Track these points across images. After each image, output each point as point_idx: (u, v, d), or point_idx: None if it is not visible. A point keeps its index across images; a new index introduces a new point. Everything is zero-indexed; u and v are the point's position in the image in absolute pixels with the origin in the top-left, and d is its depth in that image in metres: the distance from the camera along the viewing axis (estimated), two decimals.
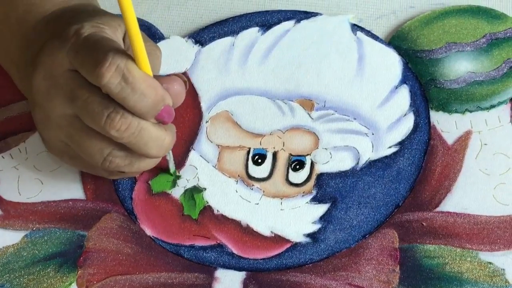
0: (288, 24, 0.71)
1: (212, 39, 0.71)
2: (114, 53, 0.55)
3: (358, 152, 0.65)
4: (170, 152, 0.63)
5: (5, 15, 0.65)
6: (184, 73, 0.70)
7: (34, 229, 0.63)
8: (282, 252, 0.61)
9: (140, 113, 0.56)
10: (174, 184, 0.64)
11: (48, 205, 0.64)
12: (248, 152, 0.66)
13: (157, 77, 0.58)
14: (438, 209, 0.62)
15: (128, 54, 0.56)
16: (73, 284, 0.60)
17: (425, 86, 0.67)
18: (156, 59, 0.61)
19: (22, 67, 0.63)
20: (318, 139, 0.66)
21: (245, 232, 0.62)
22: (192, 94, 0.68)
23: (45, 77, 0.59)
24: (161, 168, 0.64)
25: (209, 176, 0.65)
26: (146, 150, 0.58)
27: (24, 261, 0.61)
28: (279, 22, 0.71)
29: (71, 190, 0.64)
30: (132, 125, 0.56)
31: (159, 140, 0.58)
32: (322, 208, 0.63)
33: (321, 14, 0.72)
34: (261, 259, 0.61)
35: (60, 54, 0.58)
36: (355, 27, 0.71)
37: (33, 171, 0.65)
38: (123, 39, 0.60)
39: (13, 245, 0.62)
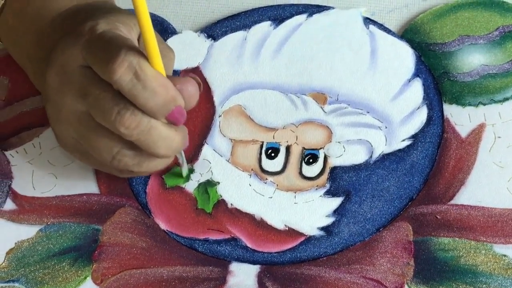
0: (300, 18, 0.71)
1: (225, 33, 0.71)
2: (127, 49, 0.55)
3: (372, 146, 0.65)
4: (183, 157, 0.63)
5: (21, 11, 0.65)
6: (197, 68, 0.70)
7: (48, 223, 0.63)
8: (296, 246, 0.61)
9: (150, 111, 0.56)
10: (188, 178, 0.64)
11: (62, 199, 0.64)
12: (261, 146, 0.66)
13: (172, 77, 0.58)
14: (452, 202, 0.62)
15: (141, 52, 0.56)
16: (88, 278, 0.61)
17: (438, 79, 0.67)
18: (169, 61, 0.61)
19: (37, 63, 0.63)
20: (331, 132, 0.66)
21: (259, 226, 0.62)
22: (205, 88, 0.69)
23: (58, 73, 0.59)
24: (176, 163, 0.64)
25: (223, 170, 0.65)
26: (155, 149, 0.58)
27: (39, 255, 0.62)
28: (291, 16, 0.72)
29: (85, 185, 0.65)
30: (142, 122, 0.56)
31: (168, 139, 0.58)
32: (336, 202, 0.63)
33: (333, 8, 0.72)
34: (275, 253, 0.61)
35: (73, 50, 0.58)
36: (368, 21, 0.71)
37: (47, 166, 0.66)
38: (138, 39, 0.60)
39: (28, 239, 0.63)
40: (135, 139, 0.57)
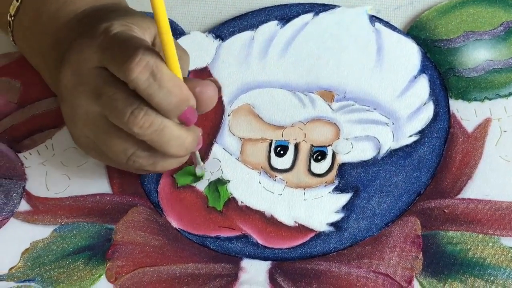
0: (307, 17, 0.72)
1: (232, 33, 0.72)
2: (144, 49, 0.56)
3: (379, 142, 0.66)
4: (198, 157, 0.64)
5: (37, 13, 0.66)
6: (205, 68, 0.70)
7: (63, 223, 0.64)
8: (306, 242, 0.62)
9: (164, 110, 0.57)
10: (200, 177, 0.65)
11: (76, 199, 0.65)
12: (270, 144, 0.66)
13: (193, 80, 0.59)
14: (459, 196, 0.63)
15: (158, 53, 0.57)
16: (102, 276, 0.61)
17: (444, 75, 0.68)
18: (184, 64, 0.62)
19: (52, 64, 0.64)
20: (339, 129, 0.66)
21: (269, 223, 0.63)
22: None
23: (73, 74, 0.60)
24: (186, 162, 0.65)
25: (233, 169, 0.66)
26: (167, 149, 0.59)
27: (54, 255, 0.63)
28: (298, 15, 0.72)
29: (98, 185, 0.66)
30: (155, 122, 0.57)
31: (180, 139, 0.59)
32: (345, 198, 0.64)
33: (339, 6, 0.72)
34: (285, 249, 0.62)
35: (88, 51, 0.59)
36: (373, 18, 0.71)
37: (60, 167, 0.67)
38: (154, 42, 0.61)
39: (42, 239, 0.63)
40: (148, 138, 0.58)
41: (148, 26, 0.60)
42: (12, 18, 0.67)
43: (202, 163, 0.64)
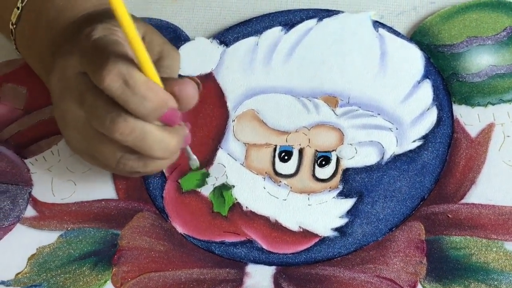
0: (310, 23, 0.72)
1: (236, 39, 0.72)
2: (116, 57, 0.56)
3: (383, 147, 0.66)
4: (189, 151, 0.63)
5: (37, 20, 0.66)
6: (210, 74, 0.71)
7: (69, 229, 0.64)
8: (310, 247, 0.62)
9: (142, 115, 0.57)
10: (203, 182, 0.66)
11: (81, 205, 0.66)
12: (275, 150, 0.67)
13: (171, 79, 0.59)
14: (463, 201, 0.63)
15: (131, 58, 0.57)
16: (108, 281, 0.62)
17: (447, 80, 0.68)
18: (173, 61, 0.62)
19: (50, 71, 0.64)
20: (343, 135, 0.67)
21: (274, 228, 0.63)
22: (219, 94, 0.70)
23: (60, 79, 0.60)
24: (190, 168, 0.65)
25: (237, 174, 0.66)
26: (151, 152, 0.59)
27: (60, 260, 0.63)
28: (301, 20, 0.72)
29: (103, 190, 0.66)
30: (135, 128, 0.57)
31: (163, 142, 0.59)
32: (349, 203, 0.64)
33: (343, 12, 0.72)
34: (290, 254, 0.62)
35: (72, 57, 0.60)
36: (377, 24, 0.72)
37: (66, 172, 0.67)
38: (145, 39, 0.61)
39: (49, 245, 0.64)
40: (131, 144, 0.58)
41: (136, 23, 0.60)
42: (14, 26, 0.67)
43: (194, 155, 0.64)
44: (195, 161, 0.64)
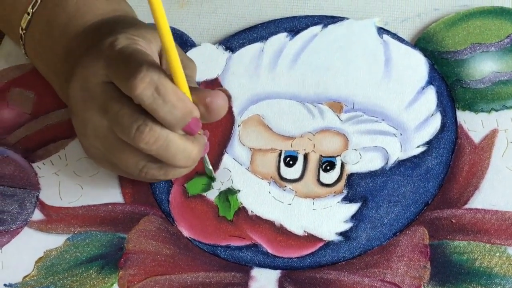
0: (315, 29, 0.73)
1: (242, 45, 0.73)
2: (148, 65, 0.57)
3: (387, 152, 0.66)
4: (207, 160, 0.64)
5: (48, 26, 0.67)
6: (216, 79, 0.71)
7: (76, 232, 0.65)
8: (315, 251, 0.63)
9: (169, 124, 0.58)
10: (209, 186, 0.66)
11: (88, 209, 0.66)
12: (280, 154, 0.67)
13: (203, 90, 0.60)
14: (466, 206, 0.63)
15: (160, 67, 0.58)
16: (114, 284, 0.62)
17: (451, 86, 0.69)
18: (191, 72, 0.63)
19: (62, 77, 0.65)
20: (348, 140, 0.67)
21: (279, 232, 0.64)
22: None
23: (82, 89, 0.61)
24: (196, 172, 0.66)
25: (243, 178, 0.66)
26: (174, 162, 0.60)
27: (67, 263, 0.64)
28: (306, 27, 0.73)
29: (110, 194, 0.66)
30: (160, 137, 0.58)
31: (186, 151, 0.60)
32: (353, 207, 0.64)
33: (347, 19, 0.73)
34: (295, 258, 0.63)
35: (95, 66, 0.60)
36: (381, 30, 0.72)
37: (73, 176, 0.68)
38: (161, 53, 0.62)
39: (56, 248, 0.64)
40: (155, 153, 0.59)
41: (153, 38, 0.61)
42: (24, 31, 0.68)
43: (209, 162, 0.65)
44: (210, 171, 0.65)
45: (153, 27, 0.60)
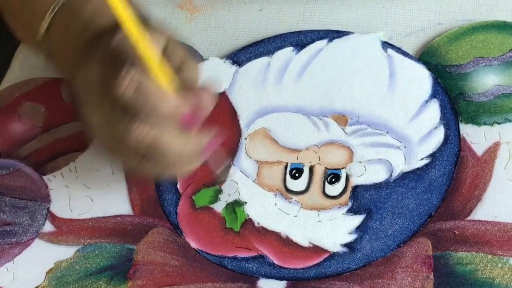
0: (321, 43, 0.73)
1: (249, 59, 0.73)
2: (131, 64, 0.57)
3: (391, 165, 0.67)
4: (222, 166, 0.65)
5: (66, 29, 0.66)
6: (223, 93, 0.72)
7: (85, 244, 0.66)
8: (320, 262, 0.63)
9: (155, 123, 0.58)
10: (216, 198, 0.67)
11: (98, 221, 0.67)
12: (286, 167, 0.68)
13: (192, 92, 0.60)
14: (469, 217, 0.64)
15: (144, 65, 0.58)
16: None
17: (454, 100, 0.69)
18: (193, 74, 0.62)
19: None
20: (353, 153, 0.68)
21: (285, 243, 0.65)
22: (231, 112, 0.71)
23: (83, 84, 0.61)
24: (204, 184, 0.67)
25: (249, 191, 0.67)
26: (165, 159, 0.60)
27: (77, 274, 0.64)
28: (312, 41, 0.73)
29: (119, 206, 0.67)
30: (148, 134, 0.58)
31: (175, 150, 0.59)
32: (358, 219, 0.65)
33: (353, 33, 0.73)
34: (300, 269, 0.63)
35: (93, 63, 0.60)
36: (386, 45, 0.73)
37: (83, 189, 0.68)
38: (165, 51, 0.61)
39: (66, 259, 0.65)
40: (145, 151, 0.59)
41: (156, 36, 0.60)
42: (45, 30, 0.67)
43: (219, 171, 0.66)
44: (222, 173, 0.66)
45: (162, 30, 0.60)
